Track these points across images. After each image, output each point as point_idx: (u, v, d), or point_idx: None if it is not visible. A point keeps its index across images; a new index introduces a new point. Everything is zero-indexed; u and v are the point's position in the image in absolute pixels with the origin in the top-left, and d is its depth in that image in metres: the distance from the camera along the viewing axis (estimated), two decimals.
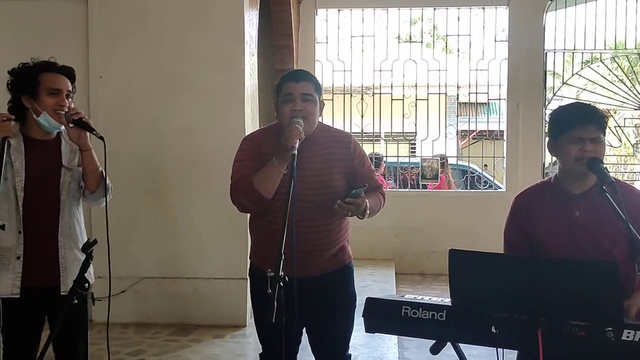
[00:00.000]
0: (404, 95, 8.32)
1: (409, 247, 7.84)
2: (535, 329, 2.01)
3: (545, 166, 7.86)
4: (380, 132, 8.36)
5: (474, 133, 9.65)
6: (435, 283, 7.22)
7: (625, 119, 8.28)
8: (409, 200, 7.79)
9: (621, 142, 8.27)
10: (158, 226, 5.18)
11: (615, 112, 8.18)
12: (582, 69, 8.46)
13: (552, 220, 2.50)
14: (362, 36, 8.23)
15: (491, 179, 8.81)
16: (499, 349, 2.17)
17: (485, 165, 9.04)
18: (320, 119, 2.83)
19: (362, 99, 8.32)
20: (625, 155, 9.74)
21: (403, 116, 8.29)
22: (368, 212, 2.64)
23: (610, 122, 7.45)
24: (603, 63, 8.23)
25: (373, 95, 8.31)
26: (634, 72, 8.74)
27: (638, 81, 8.11)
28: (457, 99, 10.45)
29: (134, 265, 5.09)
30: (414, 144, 9.70)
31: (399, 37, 8.64)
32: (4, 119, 2.61)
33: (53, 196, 2.76)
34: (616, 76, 8.28)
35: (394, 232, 7.79)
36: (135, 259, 5.09)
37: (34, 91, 2.70)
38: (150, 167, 5.16)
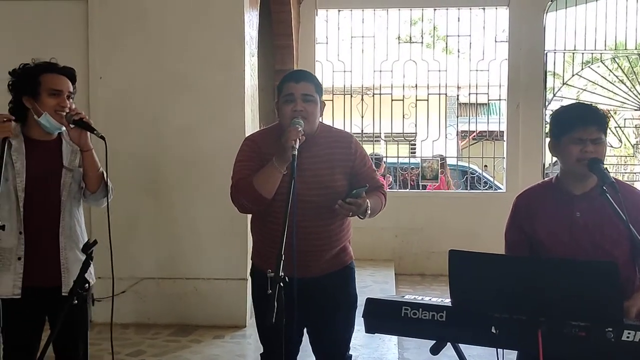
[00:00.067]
0: (404, 95, 8.33)
1: (409, 248, 7.84)
2: (535, 330, 2.01)
3: (546, 167, 7.86)
4: (380, 133, 8.36)
5: (474, 134, 9.64)
6: (435, 284, 7.21)
7: (625, 119, 8.29)
8: (409, 201, 7.79)
9: (621, 142, 8.28)
10: (158, 226, 5.18)
11: (615, 113, 8.18)
12: (582, 69, 8.46)
13: (553, 220, 2.50)
14: (362, 37, 8.23)
15: (491, 179, 8.81)
16: (499, 349, 2.17)
17: (486, 165, 9.04)
18: (320, 119, 2.84)
19: (362, 99, 8.33)
20: (626, 156, 9.74)
21: (403, 117, 8.29)
22: (369, 212, 2.64)
23: (611, 123, 7.45)
24: (603, 63, 8.23)
25: (373, 95, 8.31)
26: (634, 72, 8.75)
27: (638, 82, 8.11)
28: (457, 99, 10.42)
29: (134, 266, 5.09)
30: (414, 144, 9.70)
31: (399, 37, 8.64)
32: (4, 119, 2.60)
33: (54, 197, 2.76)
34: (616, 77, 8.29)
35: (394, 232, 7.80)
36: (135, 260, 5.08)
37: (35, 92, 2.70)
38: (150, 167, 5.16)
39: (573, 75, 8.21)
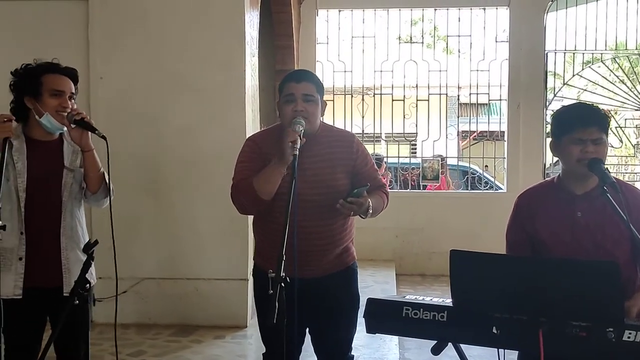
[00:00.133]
0: (404, 95, 8.31)
1: (409, 248, 7.83)
2: (536, 330, 2.01)
3: (546, 167, 7.86)
4: (380, 133, 8.36)
5: (475, 134, 9.64)
6: (436, 284, 7.21)
7: (626, 119, 8.28)
8: (409, 201, 7.78)
9: (622, 142, 8.28)
10: (158, 227, 5.17)
11: (616, 113, 8.18)
12: (582, 69, 8.46)
13: (554, 220, 2.50)
14: (363, 37, 8.22)
15: (492, 179, 8.80)
16: (500, 349, 2.17)
17: (486, 166, 9.04)
18: (321, 119, 2.84)
19: (362, 99, 8.32)
20: (626, 156, 9.74)
21: (404, 117, 8.29)
22: (371, 211, 2.64)
23: (611, 123, 7.44)
24: (604, 64, 8.23)
25: (374, 95, 8.31)
26: (635, 72, 8.74)
27: (639, 82, 8.11)
28: (458, 99, 10.45)
29: (135, 266, 5.08)
30: (415, 144, 9.70)
31: (399, 37, 8.64)
32: (5, 119, 2.60)
33: (55, 197, 2.76)
34: (617, 77, 8.28)
35: (395, 232, 7.79)
36: (135, 260, 5.08)
37: (36, 92, 2.70)
38: (150, 167, 5.15)
39: (573, 76, 8.20)
